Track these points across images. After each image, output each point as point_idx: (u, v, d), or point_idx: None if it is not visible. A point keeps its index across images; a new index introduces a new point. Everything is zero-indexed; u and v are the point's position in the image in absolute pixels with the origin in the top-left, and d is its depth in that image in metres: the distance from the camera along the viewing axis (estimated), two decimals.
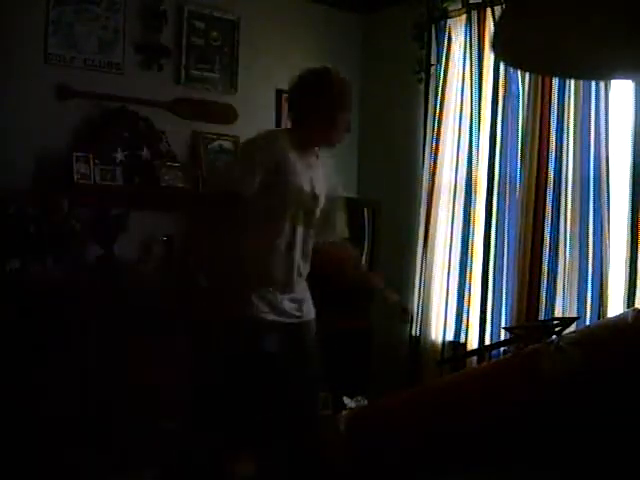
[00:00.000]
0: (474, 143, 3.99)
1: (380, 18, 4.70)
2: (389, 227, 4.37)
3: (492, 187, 3.90)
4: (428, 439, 1.97)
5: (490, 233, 3.89)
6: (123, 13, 3.88)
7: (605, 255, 3.36)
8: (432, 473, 1.98)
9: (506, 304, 3.79)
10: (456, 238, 4.08)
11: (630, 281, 3.26)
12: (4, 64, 3.52)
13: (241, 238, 2.41)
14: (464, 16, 4.07)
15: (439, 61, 4.23)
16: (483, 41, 3.98)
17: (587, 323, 3.32)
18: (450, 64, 4.19)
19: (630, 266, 3.26)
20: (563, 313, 3.49)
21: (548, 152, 3.60)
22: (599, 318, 3.34)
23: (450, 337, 4.06)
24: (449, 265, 4.09)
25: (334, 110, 2.43)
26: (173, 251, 3.62)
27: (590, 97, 3.42)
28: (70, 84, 3.71)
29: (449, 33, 4.19)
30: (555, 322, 2.14)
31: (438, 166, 4.20)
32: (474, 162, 4.00)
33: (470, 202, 4.01)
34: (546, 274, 3.59)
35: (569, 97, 3.53)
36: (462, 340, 3.98)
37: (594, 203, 3.42)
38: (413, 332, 4.24)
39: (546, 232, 3.59)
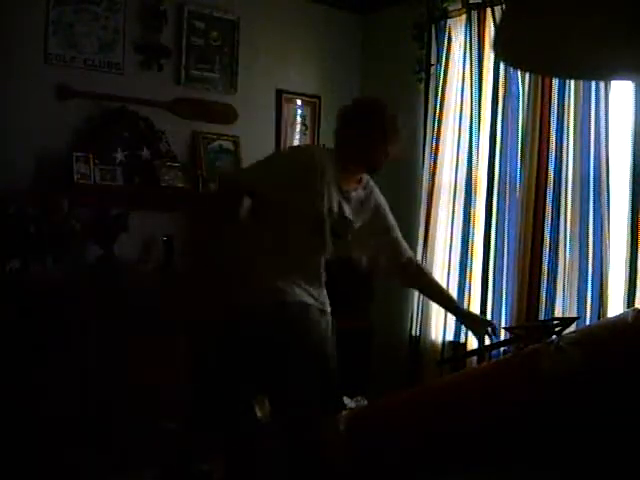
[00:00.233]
0: (474, 143, 3.99)
1: (380, 18, 4.69)
2: None
3: (492, 187, 3.90)
4: (428, 439, 1.97)
5: (490, 233, 3.89)
6: (123, 13, 3.88)
7: (605, 255, 3.36)
8: (432, 473, 1.98)
9: (506, 304, 3.79)
10: (456, 238, 4.08)
11: (630, 281, 3.26)
12: (4, 64, 3.52)
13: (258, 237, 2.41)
14: (464, 16, 4.07)
15: (439, 61, 4.23)
16: (483, 41, 3.98)
17: (587, 323, 3.32)
18: (450, 64, 4.19)
19: (630, 266, 3.26)
20: (563, 313, 3.49)
21: (548, 152, 3.60)
22: (599, 318, 3.34)
23: (450, 337, 4.06)
24: (449, 265, 4.09)
25: (385, 145, 2.47)
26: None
27: (590, 97, 3.42)
28: (70, 84, 3.71)
29: (449, 33, 4.19)
30: (555, 322, 2.14)
31: (438, 166, 4.20)
32: (474, 162, 4.00)
33: (470, 202, 4.01)
34: (546, 274, 3.59)
35: (569, 97, 3.53)
36: (462, 340, 3.98)
37: (594, 203, 3.42)
38: (413, 332, 4.24)
39: (546, 232, 3.59)
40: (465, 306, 3.98)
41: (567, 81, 3.49)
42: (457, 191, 4.11)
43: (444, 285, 4.09)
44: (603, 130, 3.39)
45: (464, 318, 2.71)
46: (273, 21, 4.46)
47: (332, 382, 2.37)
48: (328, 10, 4.67)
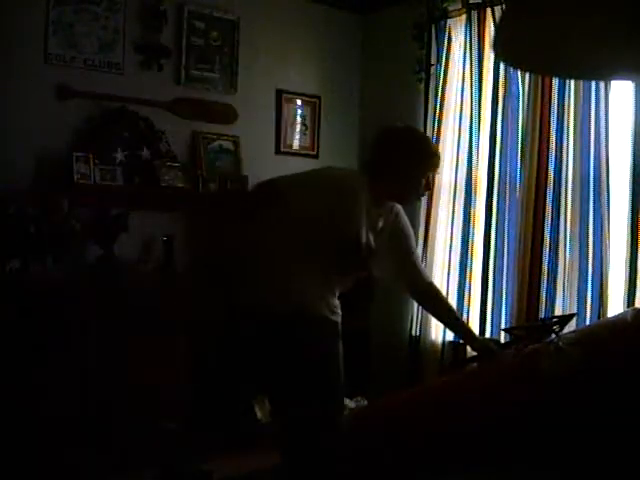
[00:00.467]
0: (474, 143, 3.99)
1: (380, 18, 4.69)
2: None
3: (492, 187, 3.90)
4: (428, 439, 1.97)
5: (490, 233, 3.89)
6: (123, 13, 3.87)
7: (605, 255, 3.36)
8: (432, 473, 1.98)
9: (506, 304, 3.79)
10: (456, 238, 4.08)
11: (630, 281, 3.26)
12: (4, 64, 3.52)
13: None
14: (464, 16, 4.07)
15: (439, 61, 4.23)
16: (483, 41, 3.98)
17: (587, 323, 3.32)
18: (450, 64, 4.19)
19: (630, 266, 3.26)
20: (563, 313, 3.49)
21: (548, 152, 3.60)
22: (599, 318, 3.34)
23: (450, 337, 4.06)
24: (449, 265, 4.09)
25: (425, 171, 2.41)
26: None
27: (590, 97, 3.43)
28: (70, 84, 3.71)
29: (449, 33, 4.19)
30: (554, 320, 2.14)
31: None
32: (474, 162, 4.00)
33: (470, 202, 4.01)
34: (546, 274, 3.59)
35: (569, 97, 3.53)
36: (462, 340, 3.97)
37: (594, 203, 3.42)
38: (413, 332, 4.24)
39: (546, 232, 3.59)
40: (465, 306, 3.99)
41: (567, 81, 3.49)
42: (457, 191, 4.11)
43: (444, 285, 4.10)
44: (603, 130, 3.39)
45: (474, 345, 2.66)
46: (273, 21, 4.46)
47: (334, 388, 2.35)
48: (328, 10, 4.67)
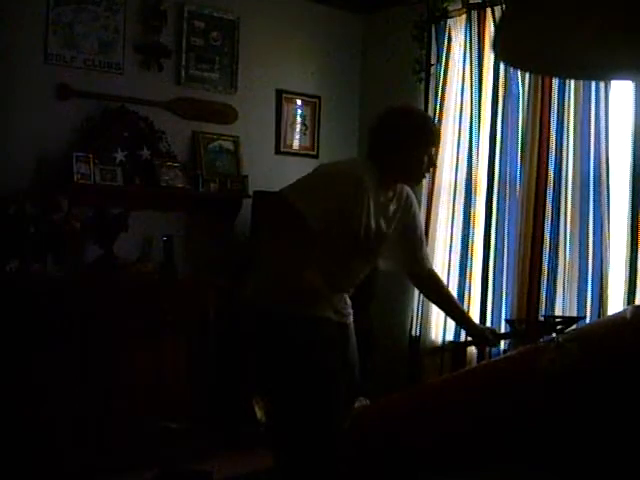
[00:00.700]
0: (474, 143, 3.99)
1: (380, 18, 4.69)
2: None
3: (492, 187, 3.90)
4: (428, 439, 1.97)
5: (490, 233, 3.89)
6: (123, 13, 3.88)
7: (605, 255, 3.36)
8: (432, 473, 1.98)
9: (506, 304, 3.79)
10: (456, 238, 4.08)
11: (630, 281, 3.26)
12: (4, 64, 3.53)
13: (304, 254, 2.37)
14: (464, 16, 4.07)
15: (439, 61, 4.23)
16: (483, 41, 3.98)
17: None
18: (450, 64, 4.19)
19: (630, 266, 3.26)
20: (563, 313, 3.49)
21: (548, 152, 3.60)
22: (599, 318, 3.34)
23: (450, 337, 4.06)
24: (449, 265, 4.09)
25: (427, 147, 2.41)
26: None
27: (590, 97, 3.43)
28: (70, 84, 3.71)
29: (449, 33, 4.19)
30: (557, 320, 2.14)
31: (438, 166, 4.19)
32: (474, 162, 4.00)
33: (470, 202, 4.01)
34: (546, 274, 3.59)
35: (569, 97, 3.53)
36: (462, 340, 3.97)
37: (594, 203, 3.42)
38: (413, 332, 4.24)
39: (546, 232, 3.59)
40: (465, 306, 3.98)
41: (567, 81, 3.49)
42: (457, 191, 4.11)
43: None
44: (603, 130, 3.39)
45: (471, 332, 2.67)
46: (273, 21, 4.46)
47: (331, 388, 2.35)
48: (328, 10, 4.67)
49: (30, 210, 3.39)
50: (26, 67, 3.60)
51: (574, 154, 3.52)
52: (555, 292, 3.57)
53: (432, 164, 2.49)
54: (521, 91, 3.74)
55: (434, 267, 4.09)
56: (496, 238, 3.87)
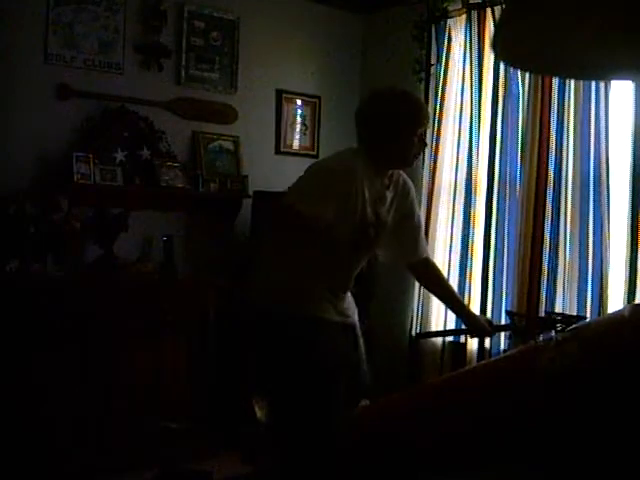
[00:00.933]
0: (474, 143, 3.99)
1: (380, 18, 4.69)
2: None
3: (492, 187, 3.90)
4: (429, 439, 1.97)
5: (490, 233, 3.89)
6: (123, 13, 3.88)
7: (605, 255, 3.36)
8: (433, 473, 1.98)
9: (506, 304, 3.78)
10: (456, 238, 4.08)
11: (630, 281, 3.26)
12: (4, 64, 3.53)
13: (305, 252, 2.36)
14: (464, 16, 4.07)
15: (439, 61, 4.23)
16: (483, 41, 3.98)
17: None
18: (450, 64, 4.19)
19: (630, 266, 3.26)
20: (563, 313, 3.49)
21: (548, 152, 3.60)
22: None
23: (450, 337, 4.06)
24: (449, 265, 4.09)
25: (415, 129, 2.36)
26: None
27: (590, 97, 3.43)
28: (70, 84, 3.71)
29: (449, 33, 4.19)
30: (558, 317, 2.14)
31: (438, 166, 4.20)
32: (474, 162, 3.99)
33: (470, 202, 4.01)
34: (546, 274, 3.59)
35: (569, 97, 3.53)
36: (462, 340, 3.98)
37: (594, 203, 3.42)
38: (413, 332, 4.24)
39: (546, 232, 3.59)
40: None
41: (567, 81, 3.49)
42: (457, 191, 4.11)
43: None
44: (603, 130, 3.39)
45: (468, 321, 2.68)
46: (273, 21, 4.46)
47: (330, 387, 2.35)
48: (328, 10, 4.67)
49: (30, 210, 3.39)
50: (26, 67, 3.60)
51: (574, 154, 3.52)
52: (555, 292, 3.57)
53: (423, 144, 2.44)
54: (521, 91, 3.74)
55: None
56: (496, 238, 3.87)
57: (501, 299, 3.82)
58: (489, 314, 3.86)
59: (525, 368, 1.85)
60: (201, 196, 4.10)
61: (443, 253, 4.15)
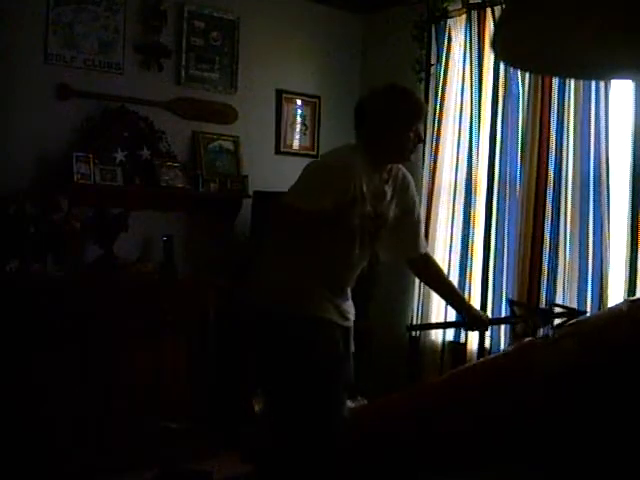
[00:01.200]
0: (474, 143, 3.99)
1: (380, 18, 4.69)
2: None
3: (492, 187, 3.90)
4: (429, 438, 1.97)
5: (490, 233, 3.89)
6: (123, 13, 3.88)
7: (605, 255, 3.36)
8: (432, 473, 1.98)
9: (506, 304, 3.78)
10: (456, 238, 4.08)
11: (630, 281, 3.26)
12: (4, 64, 3.53)
13: (306, 249, 2.37)
14: (464, 16, 4.07)
15: (439, 61, 4.23)
16: (483, 41, 3.98)
17: None
18: (450, 64, 4.19)
19: (630, 266, 3.26)
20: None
21: (548, 152, 3.60)
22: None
23: (450, 337, 4.06)
24: (449, 265, 4.09)
25: (411, 124, 2.39)
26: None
27: (590, 97, 3.42)
28: (70, 84, 3.71)
29: (449, 33, 4.19)
30: (557, 312, 2.13)
31: (438, 166, 4.20)
32: (474, 162, 3.99)
33: (470, 202, 4.01)
34: (546, 274, 3.59)
35: (569, 97, 3.53)
36: (462, 340, 3.98)
37: (594, 203, 3.42)
38: (413, 332, 4.24)
39: (546, 232, 3.59)
40: None
41: (567, 81, 3.49)
42: (457, 191, 4.11)
43: None
44: (603, 130, 3.39)
45: (466, 314, 2.68)
46: (273, 21, 4.46)
47: (332, 388, 2.35)
48: (328, 10, 4.67)
49: (30, 210, 3.39)
50: (26, 67, 3.60)
51: (574, 154, 3.52)
52: (555, 292, 3.57)
53: (420, 139, 2.45)
54: (521, 91, 3.74)
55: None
56: (496, 238, 3.87)
57: (501, 299, 3.82)
58: (489, 314, 3.86)
59: (524, 367, 1.85)
60: (201, 196, 4.10)
61: (443, 253, 4.15)
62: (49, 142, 3.65)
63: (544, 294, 3.59)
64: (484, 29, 3.97)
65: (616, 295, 3.35)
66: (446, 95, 4.19)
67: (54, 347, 3.21)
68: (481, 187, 3.98)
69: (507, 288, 3.79)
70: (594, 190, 3.42)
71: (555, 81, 3.55)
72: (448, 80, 4.18)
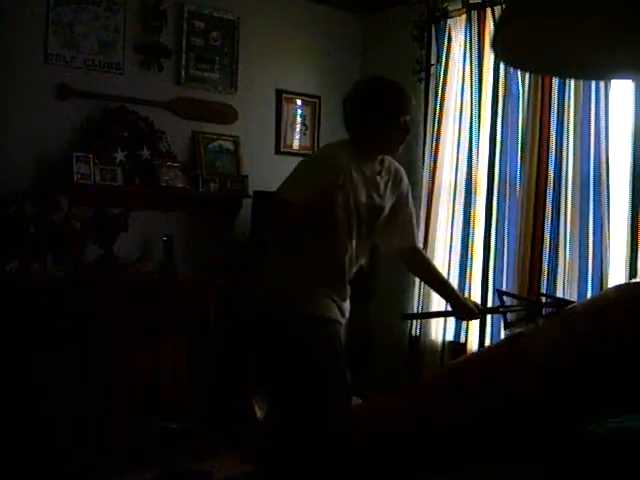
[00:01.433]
0: (474, 143, 3.99)
1: (380, 18, 4.69)
2: None
3: (492, 187, 3.90)
4: (429, 436, 1.96)
5: (490, 233, 3.89)
6: (123, 13, 3.88)
7: (605, 255, 3.36)
8: (432, 473, 1.98)
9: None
10: (456, 238, 4.08)
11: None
12: (4, 64, 3.53)
13: (303, 245, 2.40)
14: (464, 16, 4.07)
15: (439, 61, 4.23)
16: (483, 41, 3.98)
17: None
18: (450, 64, 4.18)
19: (630, 266, 3.26)
20: None
21: (548, 152, 3.60)
22: None
23: (450, 337, 4.06)
24: (449, 265, 4.09)
25: (394, 114, 2.43)
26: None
27: (590, 97, 3.42)
28: (70, 84, 3.71)
29: (449, 33, 4.19)
30: (548, 300, 2.13)
31: (438, 166, 4.20)
32: (474, 162, 3.99)
33: (470, 202, 4.01)
34: (546, 274, 3.59)
35: (569, 97, 3.52)
36: (462, 340, 3.98)
37: (594, 203, 3.42)
38: (413, 332, 4.24)
39: (546, 232, 3.59)
40: None
41: (567, 81, 3.49)
42: (457, 191, 4.11)
43: None
44: (603, 130, 3.39)
45: (456, 304, 2.70)
46: (273, 21, 4.46)
47: (335, 387, 2.35)
48: (328, 10, 4.67)
49: (30, 210, 3.39)
50: (26, 67, 3.60)
51: (574, 154, 3.52)
52: (555, 292, 3.56)
53: (407, 132, 2.49)
54: (521, 91, 3.74)
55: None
56: (496, 238, 3.87)
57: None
58: (489, 314, 3.86)
59: (513, 357, 1.85)
60: (201, 196, 4.10)
61: (443, 253, 4.15)
62: (49, 142, 3.65)
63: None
64: (484, 29, 3.97)
65: None
66: (446, 95, 4.19)
67: (54, 347, 3.21)
68: (481, 187, 3.98)
69: (507, 288, 3.78)
70: (594, 190, 3.42)
71: (555, 81, 3.55)
72: (448, 80, 4.18)
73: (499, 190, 3.87)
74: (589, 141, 3.44)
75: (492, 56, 3.81)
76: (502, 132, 3.86)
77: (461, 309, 2.60)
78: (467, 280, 4.00)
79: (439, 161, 4.20)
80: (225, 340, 3.74)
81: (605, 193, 3.38)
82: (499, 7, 3.79)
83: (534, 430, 1.73)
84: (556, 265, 3.56)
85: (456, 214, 4.10)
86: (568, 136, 3.54)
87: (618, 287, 1.94)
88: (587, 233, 3.44)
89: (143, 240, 3.91)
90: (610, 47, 0.93)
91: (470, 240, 4.00)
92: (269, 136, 4.51)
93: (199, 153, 4.17)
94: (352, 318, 2.61)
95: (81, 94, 3.74)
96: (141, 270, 3.73)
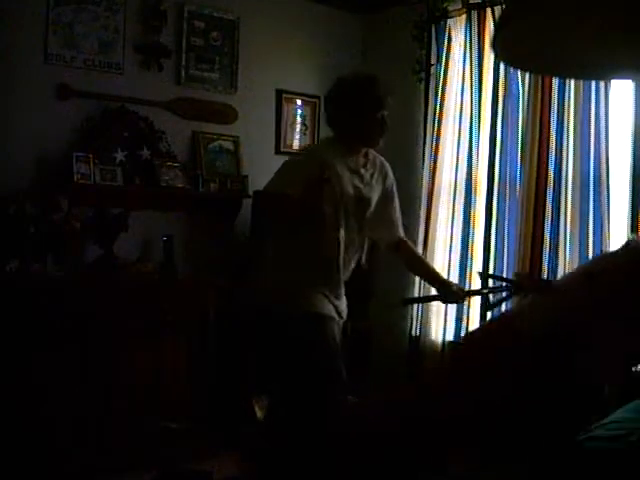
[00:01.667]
0: (474, 143, 3.99)
1: (380, 18, 4.69)
2: None
3: (492, 187, 3.90)
4: (428, 434, 1.96)
5: (490, 233, 3.89)
6: (123, 13, 3.88)
7: None
8: (432, 473, 1.97)
9: (506, 304, 3.78)
10: (456, 238, 4.08)
11: None
12: (4, 64, 3.52)
13: (293, 241, 2.45)
14: (464, 16, 4.07)
15: (439, 61, 4.23)
16: (483, 41, 3.98)
17: None
18: (450, 64, 4.19)
19: None
20: None
21: (548, 152, 3.60)
22: None
23: (450, 337, 4.06)
24: (449, 265, 4.09)
25: (375, 112, 2.52)
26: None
27: (590, 97, 3.42)
28: (70, 84, 3.71)
29: (449, 33, 4.19)
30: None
31: (438, 166, 4.20)
32: (474, 162, 3.99)
33: (470, 202, 4.01)
34: (546, 274, 3.58)
35: (569, 97, 3.53)
36: (462, 340, 3.97)
37: (594, 203, 3.42)
38: (413, 332, 4.24)
39: (546, 232, 3.59)
40: (465, 306, 3.98)
41: (567, 81, 3.49)
42: (457, 191, 4.11)
43: None
44: (603, 130, 3.39)
45: (441, 288, 2.76)
46: (273, 21, 4.46)
47: (334, 385, 2.36)
48: (328, 10, 4.67)
49: (30, 210, 3.39)
50: (26, 67, 3.60)
51: (574, 154, 3.52)
52: None
53: (384, 125, 2.56)
54: (521, 91, 3.74)
55: (434, 266, 4.14)
56: (496, 238, 3.87)
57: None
58: (489, 314, 3.86)
59: (511, 333, 1.84)
60: (201, 196, 4.10)
61: (443, 253, 4.15)
62: (49, 142, 3.65)
63: None
64: (484, 29, 3.97)
65: None
66: (446, 95, 4.19)
67: (54, 347, 3.21)
68: (481, 187, 3.98)
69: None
70: (594, 190, 3.42)
71: (555, 81, 3.55)
72: (448, 80, 4.18)
73: (499, 190, 3.88)
74: (589, 141, 3.44)
75: (492, 56, 3.81)
76: (502, 132, 3.86)
77: (447, 292, 2.68)
78: (467, 280, 4.00)
79: (439, 161, 4.20)
80: (225, 340, 3.74)
81: (605, 193, 3.38)
82: (499, 7, 3.79)
83: (535, 420, 1.72)
84: (556, 265, 3.56)
85: (456, 214, 4.10)
86: (568, 136, 3.54)
87: (611, 253, 1.92)
88: (587, 233, 3.44)
89: (143, 240, 3.90)
90: (610, 47, 0.93)
91: (470, 240, 4.00)
92: (269, 136, 4.51)
93: (199, 153, 4.17)
94: (352, 318, 2.61)
95: (81, 94, 3.74)
96: (141, 270, 3.73)
